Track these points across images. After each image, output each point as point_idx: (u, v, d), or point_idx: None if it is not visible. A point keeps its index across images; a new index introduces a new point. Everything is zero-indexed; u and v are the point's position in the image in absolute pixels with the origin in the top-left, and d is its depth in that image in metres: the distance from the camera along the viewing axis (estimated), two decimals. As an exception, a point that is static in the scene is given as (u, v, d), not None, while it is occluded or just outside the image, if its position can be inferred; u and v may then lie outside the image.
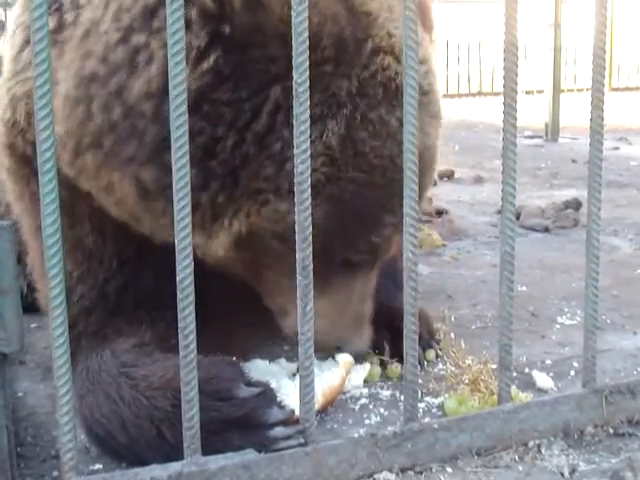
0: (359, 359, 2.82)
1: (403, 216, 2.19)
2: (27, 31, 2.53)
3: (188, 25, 2.23)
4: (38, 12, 1.81)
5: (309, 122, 2.03)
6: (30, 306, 3.03)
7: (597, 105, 2.37)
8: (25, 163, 2.68)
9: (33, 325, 3.35)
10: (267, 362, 2.74)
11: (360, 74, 2.42)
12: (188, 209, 1.97)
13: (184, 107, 1.94)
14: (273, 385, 2.36)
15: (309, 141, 2.04)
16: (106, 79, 2.34)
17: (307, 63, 2.00)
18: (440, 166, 7.84)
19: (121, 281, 2.69)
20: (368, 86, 2.43)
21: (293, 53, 2.00)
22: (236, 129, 2.35)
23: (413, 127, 2.15)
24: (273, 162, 2.37)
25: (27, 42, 2.53)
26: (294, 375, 2.60)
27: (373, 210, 2.54)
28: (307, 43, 2.00)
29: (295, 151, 2.04)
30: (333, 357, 2.72)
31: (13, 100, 2.62)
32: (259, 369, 2.63)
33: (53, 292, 1.90)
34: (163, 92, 2.20)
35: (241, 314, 2.83)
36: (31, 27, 1.82)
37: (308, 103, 2.01)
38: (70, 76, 2.39)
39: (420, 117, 2.49)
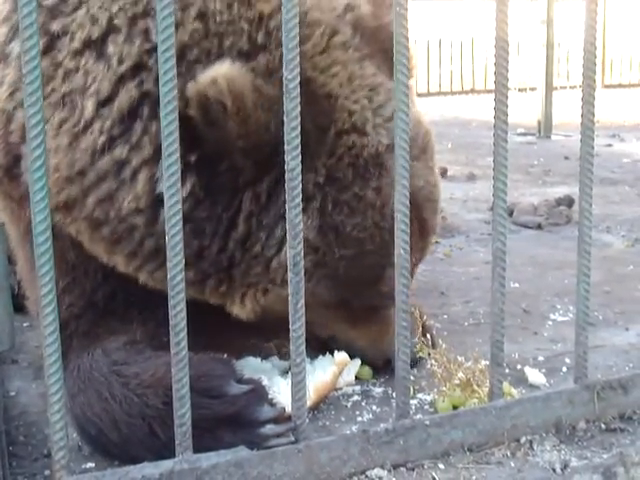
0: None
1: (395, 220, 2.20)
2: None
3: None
4: (27, 9, 1.81)
5: (299, 118, 2.03)
6: (21, 305, 3.02)
7: (588, 101, 2.38)
8: (7, 178, 2.65)
9: (25, 324, 3.34)
10: (259, 360, 2.73)
11: (326, 162, 2.44)
12: (179, 206, 1.97)
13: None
14: (265, 383, 2.36)
15: (299, 137, 2.03)
16: (97, 182, 2.40)
17: (297, 59, 2.00)
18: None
19: (109, 290, 2.68)
20: (336, 171, 2.45)
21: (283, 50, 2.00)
22: (218, 237, 2.43)
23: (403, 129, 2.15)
24: (258, 262, 2.45)
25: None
26: (286, 372, 2.60)
27: (372, 272, 2.57)
28: (297, 39, 2.00)
29: (286, 147, 2.03)
30: (324, 354, 2.72)
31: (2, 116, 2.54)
32: (251, 367, 2.62)
33: (43, 290, 1.89)
34: (151, 208, 2.36)
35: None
36: (20, 24, 1.81)
37: (298, 99, 2.01)
38: (60, 147, 2.40)
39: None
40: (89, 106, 2.38)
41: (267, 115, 2.27)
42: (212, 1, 2.41)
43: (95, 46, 2.40)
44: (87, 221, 2.45)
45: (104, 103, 2.38)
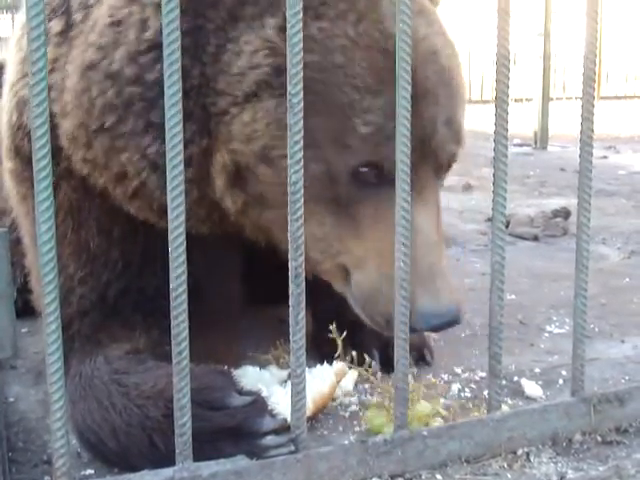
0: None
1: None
2: None
3: None
4: (35, 10, 1.83)
5: (303, 131, 2.05)
6: (20, 311, 3.03)
7: (587, 117, 2.40)
8: (31, 165, 2.67)
9: (23, 330, 3.35)
10: (258, 369, 2.74)
11: None
12: (183, 218, 1.98)
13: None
14: (264, 393, 2.37)
15: (302, 151, 2.05)
16: (99, 63, 2.43)
17: (301, 73, 2.02)
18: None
19: (123, 284, 2.67)
20: None
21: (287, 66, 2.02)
22: (197, 60, 2.36)
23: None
24: (224, 75, 2.35)
25: None
26: (284, 382, 2.61)
27: (344, 93, 2.31)
28: (301, 55, 2.02)
29: (289, 161, 2.05)
30: (323, 364, 2.73)
31: (20, 103, 2.63)
32: (249, 376, 2.63)
33: (47, 298, 1.91)
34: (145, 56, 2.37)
35: (233, 320, 2.83)
36: (28, 25, 1.83)
37: (302, 114, 2.03)
38: (75, 68, 2.47)
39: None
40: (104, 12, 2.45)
41: None
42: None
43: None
44: (98, 131, 2.46)
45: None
